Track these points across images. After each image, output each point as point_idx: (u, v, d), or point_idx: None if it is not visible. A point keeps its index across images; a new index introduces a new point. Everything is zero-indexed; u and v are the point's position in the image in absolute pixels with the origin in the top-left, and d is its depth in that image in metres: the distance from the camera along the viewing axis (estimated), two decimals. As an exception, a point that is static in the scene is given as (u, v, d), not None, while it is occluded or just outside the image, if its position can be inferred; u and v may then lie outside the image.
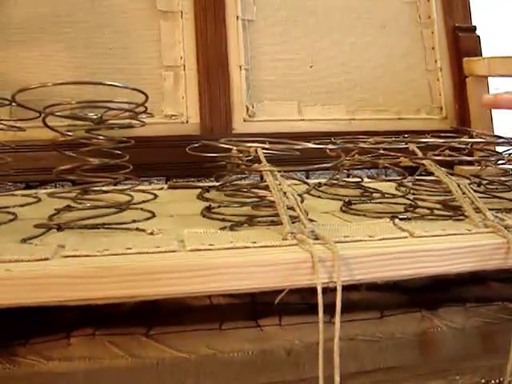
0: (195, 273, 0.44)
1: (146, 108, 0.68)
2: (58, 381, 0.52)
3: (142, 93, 0.64)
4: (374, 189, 0.77)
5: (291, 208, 0.54)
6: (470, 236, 0.52)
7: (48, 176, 0.93)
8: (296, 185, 0.71)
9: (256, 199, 0.64)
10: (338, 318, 0.43)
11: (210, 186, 0.83)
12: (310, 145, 0.62)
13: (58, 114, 0.65)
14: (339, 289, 0.44)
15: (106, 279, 0.42)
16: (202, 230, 0.54)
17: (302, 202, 0.58)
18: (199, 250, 0.47)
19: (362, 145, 0.75)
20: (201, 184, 0.93)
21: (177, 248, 0.47)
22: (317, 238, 0.48)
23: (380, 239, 0.50)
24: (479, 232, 0.53)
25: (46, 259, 0.45)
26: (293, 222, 0.52)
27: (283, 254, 0.46)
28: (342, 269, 0.45)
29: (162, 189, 0.90)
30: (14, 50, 0.98)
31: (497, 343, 0.60)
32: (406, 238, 0.51)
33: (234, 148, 0.66)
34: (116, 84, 0.64)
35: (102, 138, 0.64)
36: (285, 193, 0.55)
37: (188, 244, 0.48)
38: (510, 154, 0.79)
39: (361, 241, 0.50)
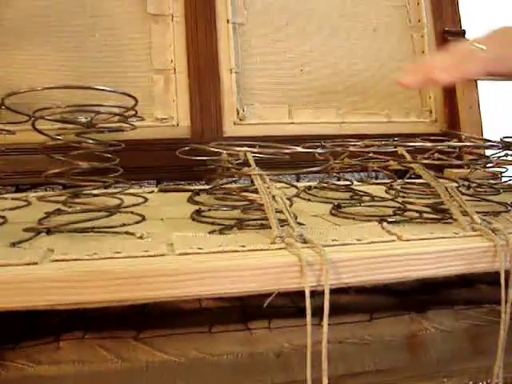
0: (184, 276, 0.44)
1: (136, 112, 0.68)
2: (47, 384, 0.52)
3: (132, 97, 0.64)
4: (363, 192, 0.77)
5: (280, 211, 0.54)
6: (458, 239, 0.52)
7: (38, 179, 0.92)
8: (286, 188, 0.72)
9: (246, 203, 0.64)
10: (325, 321, 0.43)
11: (200, 190, 0.83)
12: (300, 148, 0.62)
13: (48, 117, 0.65)
14: (327, 292, 0.44)
15: (95, 283, 0.42)
16: (191, 233, 0.54)
17: (291, 205, 0.59)
18: (188, 253, 0.47)
19: (352, 148, 0.76)
20: (191, 187, 0.93)
21: (165, 252, 0.47)
22: (305, 242, 0.48)
23: (368, 243, 0.50)
24: (467, 235, 0.53)
25: (35, 263, 0.44)
26: (282, 226, 0.52)
27: (271, 258, 0.46)
28: (330, 272, 0.45)
29: (152, 192, 0.90)
30: (3, 53, 0.98)
31: (485, 345, 0.60)
32: (393, 241, 0.52)
33: (224, 152, 0.66)
34: (105, 88, 0.64)
35: (91, 141, 0.64)
36: (274, 196, 0.55)
37: (177, 248, 0.48)
38: (498, 158, 0.80)
39: (349, 244, 0.50)
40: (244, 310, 0.61)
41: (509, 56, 0.56)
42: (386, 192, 0.79)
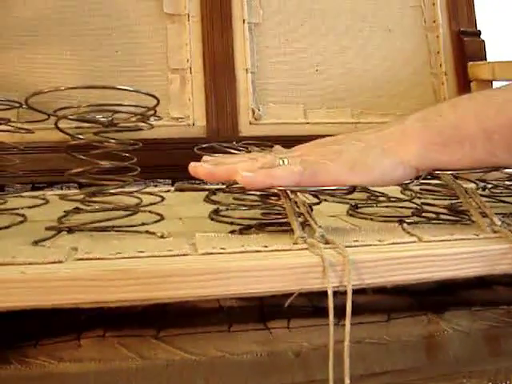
0: (208, 276, 0.44)
1: (156, 111, 0.68)
2: (68, 382, 0.52)
3: (154, 97, 0.64)
4: (379, 192, 0.77)
5: (300, 213, 0.54)
6: (478, 241, 0.52)
7: (55, 177, 0.94)
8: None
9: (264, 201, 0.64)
10: (348, 321, 0.44)
11: (216, 189, 0.83)
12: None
13: (71, 117, 0.66)
14: (349, 293, 0.44)
15: (119, 282, 0.43)
16: (212, 233, 0.54)
17: (310, 207, 0.59)
18: (211, 253, 0.47)
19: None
20: (207, 186, 0.93)
21: (189, 251, 0.48)
22: (327, 243, 0.49)
23: (389, 244, 0.51)
24: (487, 237, 0.53)
25: (60, 262, 0.45)
26: (302, 227, 0.52)
27: (294, 258, 0.46)
28: (352, 273, 0.45)
29: (168, 191, 0.91)
30: (21, 52, 0.99)
31: (503, 347, 0.61)
32: (414, 242, 0.52)
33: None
34: (128, 88, 0.65)
35: (112, 140, 0.64)
36: (296, 202, 0.55)
37: (200, 247, 0.48)
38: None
39: (371, 245, 0.50)
40: (263, 309, 0.61)
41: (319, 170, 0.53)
42: (402, 193, 0.79)
